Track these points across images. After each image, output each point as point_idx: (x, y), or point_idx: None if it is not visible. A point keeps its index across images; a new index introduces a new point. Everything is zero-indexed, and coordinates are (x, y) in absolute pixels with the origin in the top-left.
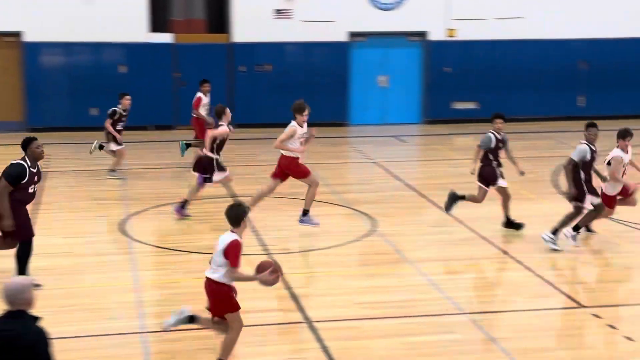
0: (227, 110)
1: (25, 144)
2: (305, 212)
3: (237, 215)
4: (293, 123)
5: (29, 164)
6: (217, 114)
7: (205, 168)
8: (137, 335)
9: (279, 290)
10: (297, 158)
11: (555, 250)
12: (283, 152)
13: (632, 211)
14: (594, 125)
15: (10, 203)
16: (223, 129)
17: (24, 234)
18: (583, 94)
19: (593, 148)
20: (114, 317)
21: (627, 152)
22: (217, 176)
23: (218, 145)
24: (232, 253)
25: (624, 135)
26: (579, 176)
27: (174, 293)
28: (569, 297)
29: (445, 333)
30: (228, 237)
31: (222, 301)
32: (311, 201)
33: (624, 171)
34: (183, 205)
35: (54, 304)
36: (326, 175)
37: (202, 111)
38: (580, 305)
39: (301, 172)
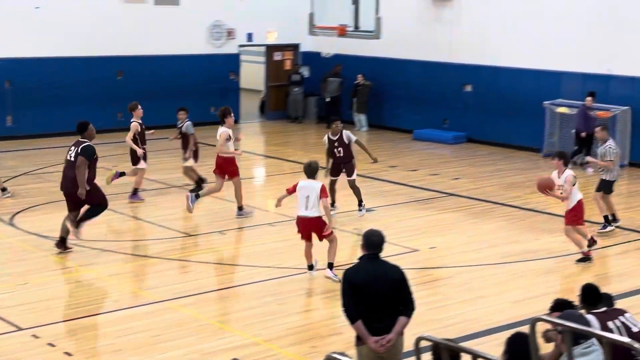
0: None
1: (83, 128)
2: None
3: (313, 169)
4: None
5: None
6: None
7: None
8: None
9: None
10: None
11: None
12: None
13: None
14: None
15: (88, 180)
16: (134, 124)
17: (102, 200)
18: (10, 113)
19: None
20: None
21: (559, 175)
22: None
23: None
24: (325, 191)
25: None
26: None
27: None
28: (7, 321)
29: None
30: (315, 184)
31: (322, 228)
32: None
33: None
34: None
35: None
36: None
37: None
38: (19, 328)
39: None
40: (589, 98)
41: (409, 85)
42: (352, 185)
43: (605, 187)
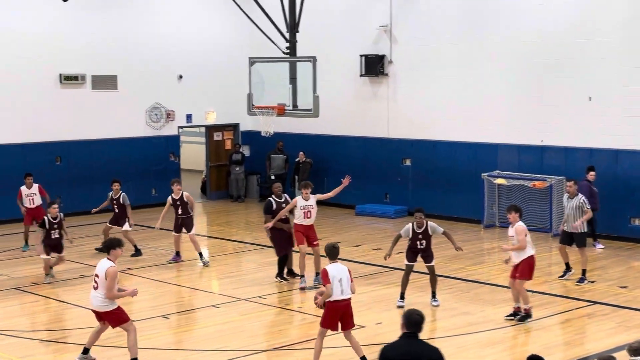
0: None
1: (270, 186)
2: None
3: (337, 251)
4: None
5: (274, 199)
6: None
7: None
8: None
9: None
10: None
11: None
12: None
13: None
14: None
15: (273, 231)
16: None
17: (284, 250)
18: None
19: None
20: None
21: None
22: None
23: None
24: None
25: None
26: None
27: None
28: None
29: None
30: (341, 266)
31: (351, 313)
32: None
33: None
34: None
35: None
36: None
37: (26, 201)
38: None
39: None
40: (591, 172)
41: (349, 161)
42: (432, 271)
43: (584, 240)
